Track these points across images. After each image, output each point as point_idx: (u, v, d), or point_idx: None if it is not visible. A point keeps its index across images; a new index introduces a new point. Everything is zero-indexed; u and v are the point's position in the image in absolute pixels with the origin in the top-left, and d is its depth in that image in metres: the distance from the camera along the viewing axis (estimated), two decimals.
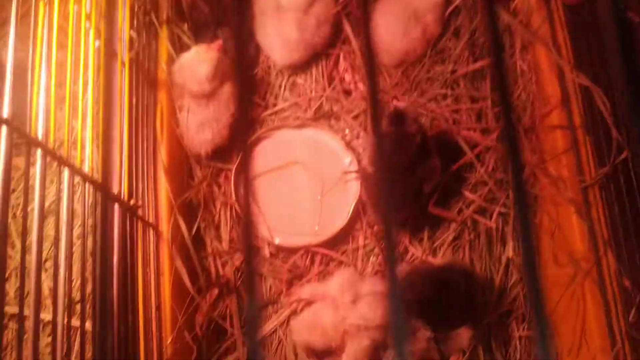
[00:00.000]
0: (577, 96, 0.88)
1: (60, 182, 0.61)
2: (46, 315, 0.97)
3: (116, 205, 0.75)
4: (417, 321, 0.88)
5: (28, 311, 0.58)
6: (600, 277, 0.85)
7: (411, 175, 0.90)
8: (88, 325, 0.71)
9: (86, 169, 0.68)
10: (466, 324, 0.90)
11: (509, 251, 0.98)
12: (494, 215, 0.98)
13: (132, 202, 0.80)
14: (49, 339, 0.95)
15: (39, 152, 0.57)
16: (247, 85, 0.93)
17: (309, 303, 0.96)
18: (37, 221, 0.57)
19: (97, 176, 0.71)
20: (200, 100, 0.95)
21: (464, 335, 0.90)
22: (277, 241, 0.99)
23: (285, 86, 1.07)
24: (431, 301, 0.89)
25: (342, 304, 0.90)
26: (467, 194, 0.99)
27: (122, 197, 0.78)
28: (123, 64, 0.84)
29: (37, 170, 0.57)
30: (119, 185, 0.78)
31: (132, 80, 0.85)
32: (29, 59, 0.59)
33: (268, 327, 0.98)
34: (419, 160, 0.91)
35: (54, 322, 0.61)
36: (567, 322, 0.91)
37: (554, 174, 0.92)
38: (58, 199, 0.62)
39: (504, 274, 0.98)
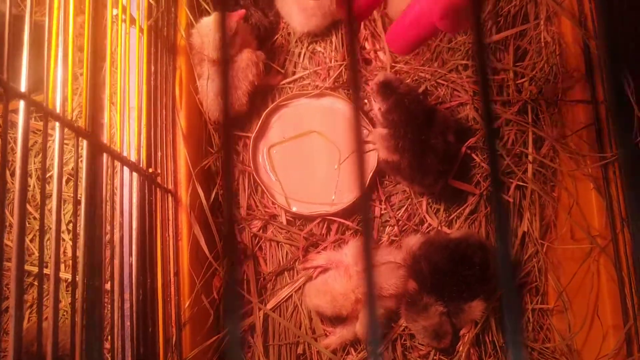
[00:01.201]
0: (602, 71, 0.86)
1: (78, 153, 0.62)
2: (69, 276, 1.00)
3: (134, 174, 0.76)
4: (429, 295, 0.89)
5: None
6: (616, 254, 0.85)
7: (432, 128, 0.92)
8: (108, 286, 0.73)
9: (105, 139, 0.69)
10: (479, 296, 0.91)
11: (525, 225, 0.98)
12: (512, 189, 0.98)
13: (150, 170, 0.81)
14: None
15: (57, 125, 0.58)
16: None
17: (324, 270, 0.98)
18: (56, 190, 0.58)
19: (115, 146, 0.72)
20: (219, 67, 0.95)
21: (476, 308, 0.90)
22: (294, 209, 1.00)
23: (304, 54, 1.06)
24: (446, 273, 0.90)
25: (356, 272, 0.91)
26: (486, 166, 0.98)
27: (140, 164, 0.79)
28: (141, 30, 0.84)
29: (56, 142, 0.58)
30: (138, 153, 0.79)
31: (151, 47, 0.85)
32: (45, 27, 0.59)
33: (284, 292, 1.00)
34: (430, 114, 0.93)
35: (73, 283, 0.63)
36: (580, 297, 0.91)
37: (573, 149, 0.91)
38: (77, 168, 0.63)
39: (520, 247, 0.99)
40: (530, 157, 0.97)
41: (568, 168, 0.92)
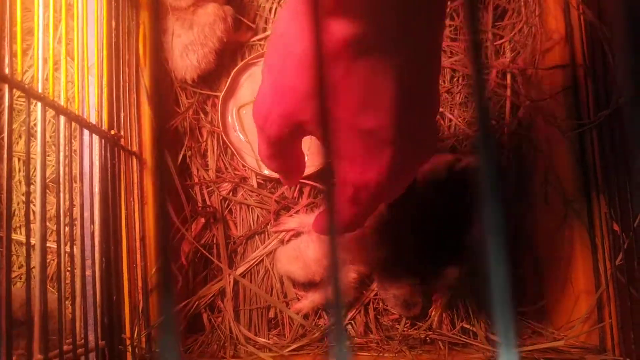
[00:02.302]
0: (582, 33, 0.83)
1: (29, 116, 0.58)
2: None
3: (95, 136, 0.72)
4: (402, 262, 0.87)
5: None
6: (590, 220, 0.84)
7: None
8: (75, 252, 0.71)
9: (62, 101, 0.65)
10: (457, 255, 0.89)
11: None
12: None
13: (112, 132, 0.77)
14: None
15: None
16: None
17: (296, 234, 0.96)
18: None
19: (73, 107, 0.68)
20: (184, 21, 0.90)
21: (451, 274, 0.89)
22: (265, 172, 0.97)
23: (275, 9, 1.01)
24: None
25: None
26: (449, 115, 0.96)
27: (101, 126, 0.75)
28: None
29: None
30: (99, 114, 0.75)
31: (111, 1, 0.80)
32: None
33: (255, 256, 0.98)
34: None
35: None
36: (553, 262, 0.91)
37: (550, 113, 0.89)
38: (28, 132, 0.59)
39: None
40: (506, 120, 0.94)
41: (544, 133, 0.91)
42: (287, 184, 0.95)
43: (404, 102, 0.55)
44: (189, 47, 0.91)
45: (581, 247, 0.86)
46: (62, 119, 0.64)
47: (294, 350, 0.91)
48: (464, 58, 0.95)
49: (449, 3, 0.97)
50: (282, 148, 0.64)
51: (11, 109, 0.52)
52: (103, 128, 0.75)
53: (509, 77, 0.94)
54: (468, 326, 0.94)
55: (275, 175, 0.97)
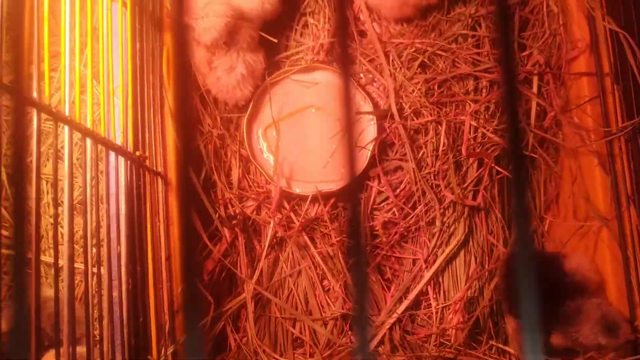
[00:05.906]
0: (607, 42, 0.82)
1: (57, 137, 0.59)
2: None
3: (120, 158, 0.73)
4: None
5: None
6: (620, 231, 0.82)
7: None
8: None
9: (88, 123, 0.65)
10: None
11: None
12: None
13: (137, 153, 0.77)
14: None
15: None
16: None
17: None
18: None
19: (98, 129, 0.68)
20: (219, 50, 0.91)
21: None
22: (297, 190, 0.97)
23: (296, 29, 1.01)
24: None
25: None
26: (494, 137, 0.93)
27: (127, 148, 0.76)
28: (124, 5, 0.80)
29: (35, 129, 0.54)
30: (124, 136, 0.76)
31: (135, 23, 0.81)
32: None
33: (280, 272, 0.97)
34: None
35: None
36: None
37: (578, 123, 0.88)
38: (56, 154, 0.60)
39: None
40: (532, 128, 0.93)
41: (572, 143, 0.89)
42: None
43: None
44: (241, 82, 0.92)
45: (611, 260, 0.83)
46: (88, 141, 0.64)
47: None
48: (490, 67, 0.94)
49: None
50: None
51: (39, 132, 0.53)
52: (128, 150, 0.76)
53: (535, 82, 0.92)
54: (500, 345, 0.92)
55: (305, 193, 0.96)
